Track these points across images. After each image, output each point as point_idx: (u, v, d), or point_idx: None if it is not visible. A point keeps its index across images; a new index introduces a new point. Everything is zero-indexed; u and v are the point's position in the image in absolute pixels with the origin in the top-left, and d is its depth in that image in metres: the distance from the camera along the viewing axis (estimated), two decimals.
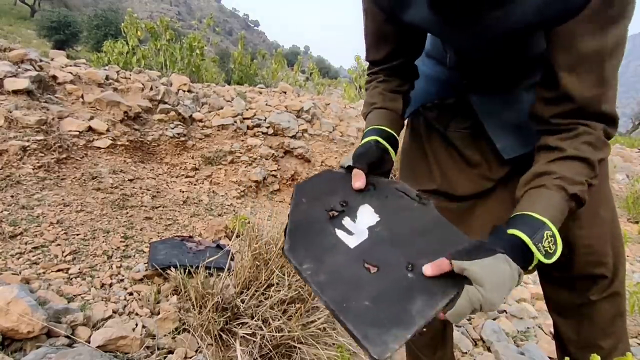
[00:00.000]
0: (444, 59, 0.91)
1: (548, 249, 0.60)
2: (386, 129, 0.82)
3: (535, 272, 0.82)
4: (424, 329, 0.56)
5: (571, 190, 0.64)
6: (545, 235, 0.60)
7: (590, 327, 0.89)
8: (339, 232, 0.68)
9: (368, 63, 0.94)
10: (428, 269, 0.59)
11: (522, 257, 0.58)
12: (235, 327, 1.17)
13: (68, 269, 1.59)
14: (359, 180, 0.72)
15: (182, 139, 3.04)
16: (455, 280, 0.58)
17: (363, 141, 0.81)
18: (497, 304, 0.56)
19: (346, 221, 0.70)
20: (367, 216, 0.71)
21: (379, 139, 0.79)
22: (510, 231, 0.60)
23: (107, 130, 2.64)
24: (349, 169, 0.75)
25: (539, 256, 0.59)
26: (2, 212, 1.78)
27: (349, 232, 0.68)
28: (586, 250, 0.84)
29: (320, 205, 0.71)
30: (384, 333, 0.55)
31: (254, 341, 1.12)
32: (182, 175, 2.90)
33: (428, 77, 0.94)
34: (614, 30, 0.62)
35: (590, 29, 0.62)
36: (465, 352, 1.47)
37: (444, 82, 0.92)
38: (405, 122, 0.97)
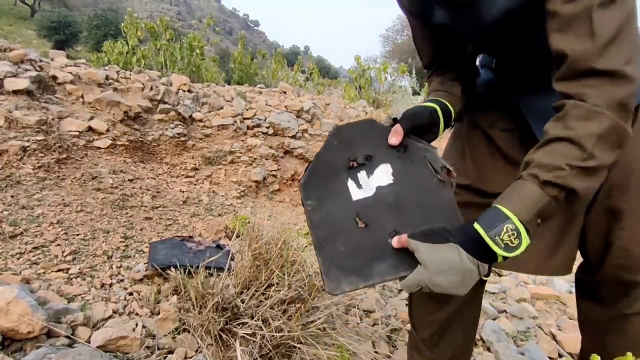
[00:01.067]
0: (491, 64, 0.95)
1: (509, 242, 0.58)
2: (445, 102, 0.83)
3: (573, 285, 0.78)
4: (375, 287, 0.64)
5: (543, 178, 0.59)
6: (505, 228, 0.58)
7: (617, 344, 0.84)
8: (350, 183, 0.74)
9: (425, 70, 0.98)
10: (394, 241, 0.66)
11: (479, 249, 0.59)
12: (235, 327, 1.17)
13: (68, 269, 1.59)
14: (395, 136, 0.74)
15: (182, 139, 3.04)
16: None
17: (421, 104, 0.81)
18: (446, 287, 0.59)
19: (361, 175, 0.75)
20: (382, 176, 0.75)
21: (437, 107, 0.80)
22: (474, 224, 0.61)
23: (107, 130, 2.64)
24: (393, 122, 0.76)
25: (495, 249, 0.58)
26: (2, 212, 1.79)
27: (359, 186, 0.74)
28: (621, 253, 0.80)
29: (347, 152, 0.76)
30: (343, 275, 0.66)
31: (254, 341, 1.12)
32: (182, 175, 2.90)
33: (481, 84, 0.97)
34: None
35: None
36: None
37: (494, 86, 0.94)
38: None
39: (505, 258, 0.60)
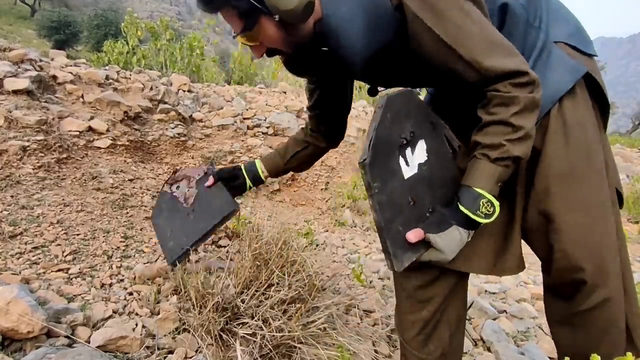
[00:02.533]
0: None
1: (486, 211, 0.78)
2: (259, 164, 1.32)
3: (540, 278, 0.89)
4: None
5: (493, 156, 0.77)
6: (482, 203, 0.77)
7: (585, 337, 0.88)
8: (401, 161, 0.79)
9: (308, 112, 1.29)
10: (412, 236, 0.77)
11: (469, 223, 0.80)
12: (236, 327, 1.17)
13: (68, 269, 1.58)
14: (210, 182, 1.36)
15: (182, 139, 3.04)
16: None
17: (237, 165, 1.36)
18: (450, 258, 0.80)
19: (407, 152, 0.80)
20: (420, 153, 0.82)
21: (243, 170, 1.33)
22: (460, 207, 0.79)
23: (107, 130, 2.64)
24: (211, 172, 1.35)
25: (480, 220, 0.78)
26: (2, 212, 1.78)
27: (407, 163, 0.80)
28: (560, 254, 0.84)
29: (398, 128, 0.80)
30: (404, 253, 0.74)
31: (254, 341, 1.12)
32: None
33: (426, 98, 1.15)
34: (442, 28, 0.74)
35: (426, 42, 0.77)
36: (465, 352, 1.47)
37: (436, 99, 1.09)
38: None
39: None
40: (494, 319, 1.69)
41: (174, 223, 1.05)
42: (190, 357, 1.20)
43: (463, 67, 0.76)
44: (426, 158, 0.81)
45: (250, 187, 1.30)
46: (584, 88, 0.86)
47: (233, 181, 1.28)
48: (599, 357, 0.63)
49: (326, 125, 1.23)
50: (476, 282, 2.10)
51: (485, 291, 2.00)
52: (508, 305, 1.86)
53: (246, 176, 1.27)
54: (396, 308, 1.07)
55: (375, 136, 0.73)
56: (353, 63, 0.85)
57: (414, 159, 0.79)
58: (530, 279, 2.23)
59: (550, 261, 0.87)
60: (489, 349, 1.51)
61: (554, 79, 0.84)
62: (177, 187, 1.09)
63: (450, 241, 0.77)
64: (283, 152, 1.29)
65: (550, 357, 1.50)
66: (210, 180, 1.23)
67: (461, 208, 0.79)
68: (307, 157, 1.30)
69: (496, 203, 0.78)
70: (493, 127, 0.77)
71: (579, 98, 0.85)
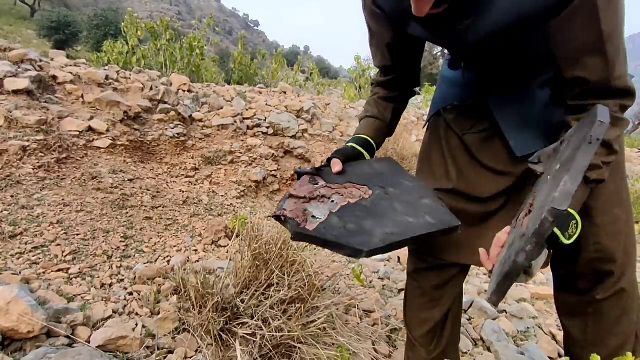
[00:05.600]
0: (460, 65, 0.99)
1: (572, 232, 0.71)
2: (366, 138, 1.04)
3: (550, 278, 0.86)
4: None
5: (591, 177, 0.72)
6: (571, 224, 0.71)
7: (596, 326, 0.90)
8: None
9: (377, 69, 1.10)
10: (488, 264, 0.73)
11: (552, 242, 0.71)
12: (235, 327, 1.17)
13: (68, 269, 1.59)
14: (336, 166, 0.93)
15: (182, 139, 3.04)
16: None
17: (346, 145, 1.03)
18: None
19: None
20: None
21: (357, 145, 1.01)
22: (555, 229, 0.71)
23: (107, 130, 2.64)
24: (328, 161, 0.96)
25: (565, 241, 0.70)
26: (2, 212, 1.78)
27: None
28: (596, 247, 0.86)
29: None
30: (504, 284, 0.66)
31: (254, 341, 1.12)
32: (182, 175, 2.90)
33: (449, 81, 1.03)
34: (607, 16, 0.66)
35: (580, 24, 0.67)
36: (465, 352, 1.47)
37: (463, 85, 0.99)
38: (426, 124, 1.12)
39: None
40: (494, 319, 1.69)
41: (391, 213, 0.82)
42: (190, 357, 1.20)
43: (596, 64, 0.69)
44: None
45: None
46: None
47: (354, 160, 1.02)
48: (605, 353, 0.64)
49: (405, 80, 1.08)
50: (476, 282, 2.10)
51: (485, 291, 2.00)
52: (508, 305, 1.86)
53: (366, 153, 1.03)
54: (406, 306, 1.12)
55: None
56: (472, 34, 0.76)
57: None
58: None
59: (577, 252, 0.89)
60: (488, 349, 1.51)
61: None
62: (313, 216, 0.81)
63: (540, 263, 0.71)
64: (381, 117, 1.08)
65: (550, 357, 1.50)
66: (338, 165, 0.93)
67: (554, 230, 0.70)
68: (400, 112, 1.13)
69: (580, 225, 0.72)
70: None
71: None
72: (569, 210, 0.71)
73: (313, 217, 0.80)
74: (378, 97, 1.09)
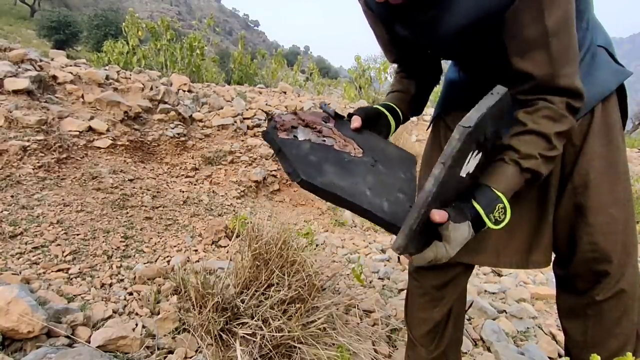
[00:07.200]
0: (459, 65, 1.02)
1: (497, 217, 0.73)
2: (390, 104, 1.01)
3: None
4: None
5: (524, 165, 0.74)
6: (497, 207, 0.73)
7: (596, 328, 0.90)
8: (469, 158, 0.74)
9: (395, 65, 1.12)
10: (436, 215, 0.68)
11: (478, 223, 0.73)
12: (235, 327, 1.17)
13: (68, 269, 1.59)
14: (356, 122, 0.90)
15: (182, 139, 3.04)
16: (433, 233, 0.70)
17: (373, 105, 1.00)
18: (448, 257, 0.72)
19: (475, 154, 0.76)
20: (474, 164, 0.78)
21: (380, 107, 0.99)
22: (474, 203, 0.73)
23: (107, 130, 2.64)
24: (349, 116, 0.93)
25: (489, 224, 0.73)
26: (2, 212, 1.78)
27: (467, 162, 0.76)
28: (590, 246, 0.87)
29: (488, 126, 0.74)
30: (413, 239, 0.67)
31: (254, 341, 1.12)
32: (182, 175, 2.90)
33: (450, 83, 1.06)
34: (554, 12, 0.69)
35: (529, 17, 0.70)
36: (465, 352, 1.47)
37: (462, 85, 1.02)
38: (429, 126, 1.13)
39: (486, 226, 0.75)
40: (494, 319, 1.69)
41: (358, 178, 0.77)
42: (190, 357, 1.20)
43: (541, 58, 0.71)
44: (471, 171, 0.74)
45: (394, 130, 1.05)
46: (614, 93, 0.90)
47: (376, 122, 0.98)
48: (605, 354, 0.65)
49: (422, 69, 1.07)
50: (476, 282, 2.10)
51: (485, 291, 2.00)
52: (508, 305, 1.86)
53: (389, 116, 1.00)
54: (407, 305, 1.12)
55: (480, 118, 0.65)
56: (443, 29, 0.79)
57: (469, 166, 0.73)
58: (530, 279, 2.23)
59: (573, 252, 0.90)
60: (488, 349, 1.51)
61: (601, 78, 0.85)
62: (295, 136, 0.82)
63: (459, 235, 0.71)
64: (405, 90, 1.06)
65: (550, 357, 1.50)
66: (357, 121, 0.91)
67: (475, 205, 0.73)
68: (428, 87, 1.10)
69: (509, 213, 0.74)
70: (533, 136, 0.74)
71: (614, 101, 0.89)
72: (497, 191, 0.73)
73: (295, 136, 0.82)
74: (400, 76, 1.08)
